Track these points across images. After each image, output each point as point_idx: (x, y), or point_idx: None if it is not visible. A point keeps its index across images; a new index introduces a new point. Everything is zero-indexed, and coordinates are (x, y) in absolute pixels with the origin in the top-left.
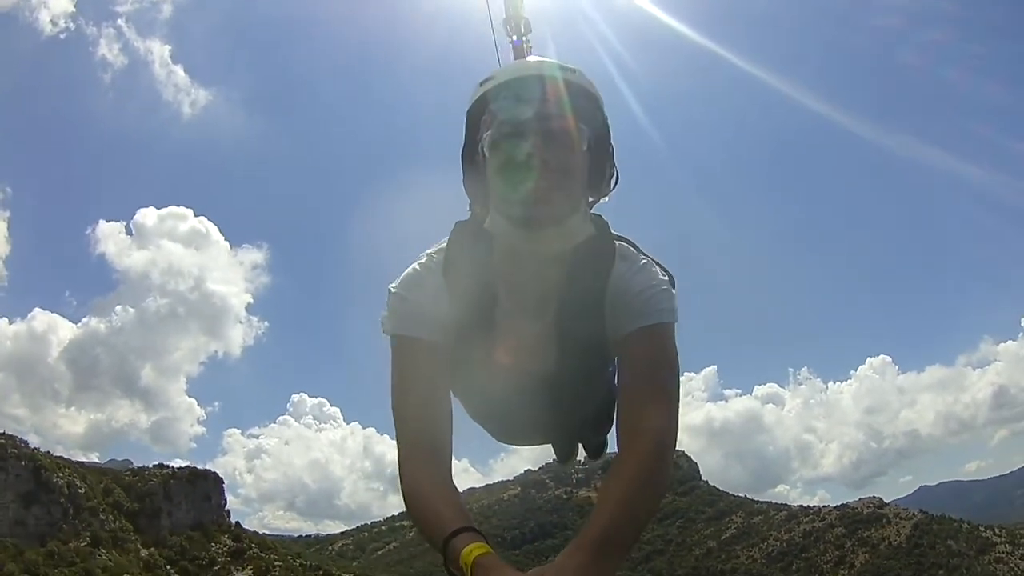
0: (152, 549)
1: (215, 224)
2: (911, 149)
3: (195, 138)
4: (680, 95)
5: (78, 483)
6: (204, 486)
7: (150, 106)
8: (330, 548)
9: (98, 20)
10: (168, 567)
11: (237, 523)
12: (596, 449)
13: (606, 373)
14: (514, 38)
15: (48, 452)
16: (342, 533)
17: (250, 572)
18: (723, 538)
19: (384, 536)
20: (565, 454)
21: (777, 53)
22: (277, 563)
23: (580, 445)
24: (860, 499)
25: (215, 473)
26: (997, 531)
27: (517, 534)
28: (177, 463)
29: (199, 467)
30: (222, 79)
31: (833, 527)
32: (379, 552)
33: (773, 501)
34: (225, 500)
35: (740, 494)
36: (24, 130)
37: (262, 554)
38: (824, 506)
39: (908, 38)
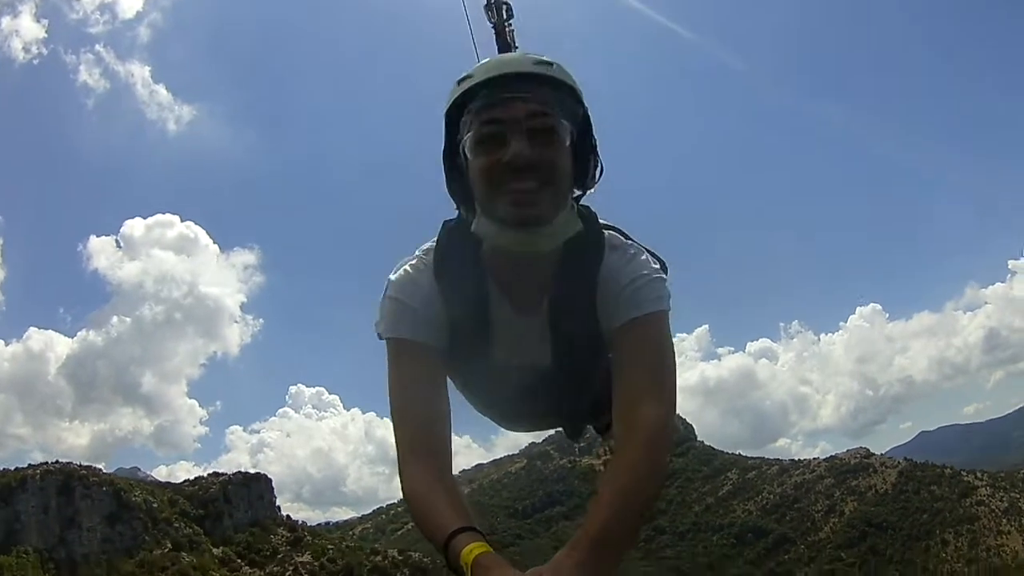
0: (223, 547)
1: (205, 230)
2: (897, 120)
3: (182, 152)
4: (666, 85)
5: (151, 499)
6: (257, 487)
7: (135, 126)
8: (351, 533)
9: (73, 45)
10: (239, 561)
11: (287, 516)
12: (605, 428)
13: (604, 361)
14: (494, 22)
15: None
16: (360, 518)
17: (309, 556)
18: (720, 494)
19: (402, 517)
20: (574, 433)
21: (765, 41)
22: (330, 547)
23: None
24: (848, 450)
25: (265, 475)
26: (979, 475)
27: (527, 504)
28: (232, 470)
29: (251, 471)
30: (205, 94)
31: (823, 478)
32: (399, 532)
33: (767, 456)
34: (275, 497)
35: (734, 451)
36: (10, 158)
37: (315, 541)
38: (814, 458)
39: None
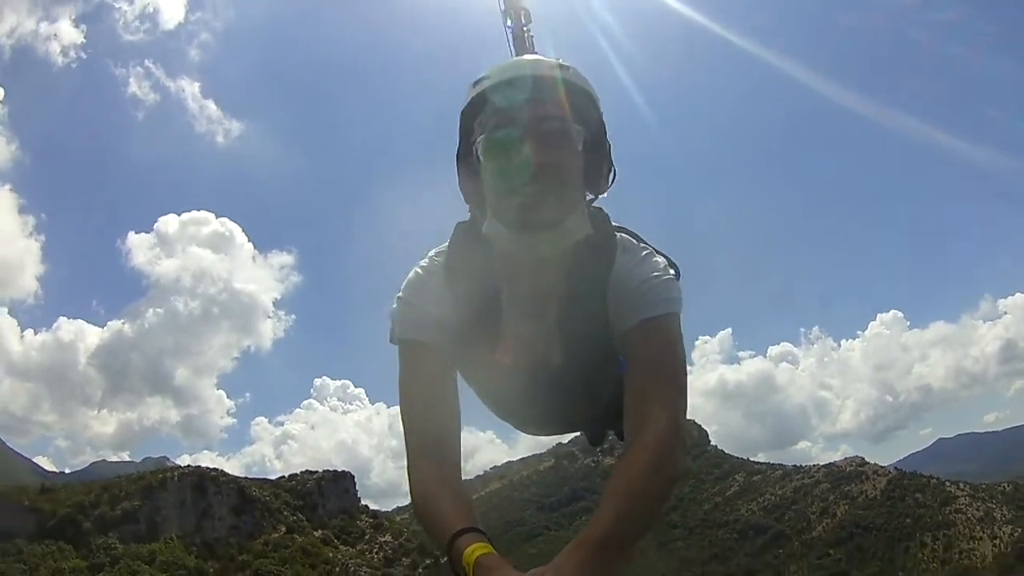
0: (321, 531)
1: (242, 228)
2: (912, 122)
3: (229, 164)
4: (680, 73)
5: (263, 493)
6: (344, 482)
7: (183, 138)
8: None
9: (120, 57)
10: (336, 541)
11: (366, 505)
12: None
13: (616, 364)
14: (511, 23)
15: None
16: (397, 508)
17: (390, 536)
18: (727, 494)
19: None
20: (596, 439)
21: (779, 30)
22: (404, 530)
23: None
24: (845, 458)
25: (350, 472)
26: (961, 486)
27: (554, 499)
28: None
29: (339, 469)
30: (253, 111)
31: (820, 483)
32: None
33: (785, 462)
34: (358, 490)
35: (744, 456)
36: (58, 158)
37: (392, 525)
38: (813, 465)
39: (917, 16)
